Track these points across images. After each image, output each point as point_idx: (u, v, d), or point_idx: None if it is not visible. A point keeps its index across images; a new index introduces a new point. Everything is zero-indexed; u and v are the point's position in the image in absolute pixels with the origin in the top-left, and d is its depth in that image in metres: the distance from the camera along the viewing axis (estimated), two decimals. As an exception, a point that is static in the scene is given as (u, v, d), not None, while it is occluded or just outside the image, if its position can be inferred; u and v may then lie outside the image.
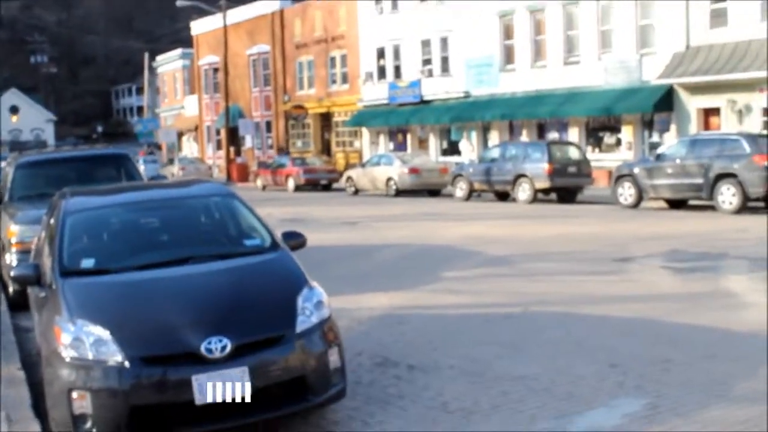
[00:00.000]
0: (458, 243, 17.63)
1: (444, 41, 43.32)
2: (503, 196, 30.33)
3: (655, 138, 33.49)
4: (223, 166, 56.69)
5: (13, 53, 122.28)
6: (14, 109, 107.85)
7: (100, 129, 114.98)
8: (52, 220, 7.93)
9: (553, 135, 37.58)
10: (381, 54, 47.58)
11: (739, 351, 8.23)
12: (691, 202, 24.23)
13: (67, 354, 5.95)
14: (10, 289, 11.92)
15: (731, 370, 7.54)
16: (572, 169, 28.91)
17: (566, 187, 28.99)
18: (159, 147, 76.57)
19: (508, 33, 39.93)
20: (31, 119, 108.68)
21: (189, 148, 71.69)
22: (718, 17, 31.01)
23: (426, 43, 44.38)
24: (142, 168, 16.56)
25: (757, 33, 29.46)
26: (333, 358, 6.38)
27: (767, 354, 7.89)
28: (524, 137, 38.17)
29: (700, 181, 22.77)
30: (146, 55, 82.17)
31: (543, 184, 28.32)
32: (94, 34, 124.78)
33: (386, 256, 16.36)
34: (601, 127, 36.18)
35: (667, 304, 10.62)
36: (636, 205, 24.73)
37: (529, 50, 38.76)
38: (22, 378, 7.59)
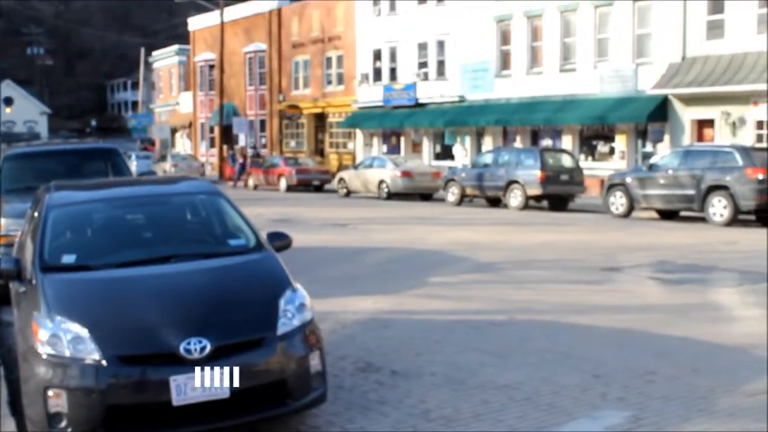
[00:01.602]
0: (447, 248, 17.59)
1: (441, 45, 43.30)
2: (495, 202, 30.32)
3: (649, 148, 33.50)
4: (216, 164, 56.60)
5: (9, 44, 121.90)
6: (8, 101, 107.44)
7: (94, 123, 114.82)
8: (35, 214, 7.86)
9: (546, 142, 37.60)
10: (377, 56, 47.55)
11: (724, 365, 8.20)
12: (683, 214, 24.26)
13: (44, 351, 5.88)
14: (-3, 283, 11.81)
15: (715, 384, 7.50)
16: (565, 177, 28.92)
17: (558, 195, 28.99)
18: (152, 143, 76.39)
19: (504, 38, 39.92)
20: (24, 111, 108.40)
21: (182, 144, 71.58)
22: (715, 29, 31.06)
23: (423, 46, 44.35)
24: (133, 164, 16.52)
25: (753, 45, 29.52)
26: (314, 362, 6.33)
27: (767, 369, 7.87)
28: (518, 143, 38.16)
29: (691, 192, 22.79)
30: (142, 50, 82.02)
31: (535, 191, 28.31)
32: (90, 27, 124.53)
33: (374, 259, 16.30)
34: (594, 136, 36.18)
35: (653, 315, 10.59)
36: (627, 214, 24.74)
37: (526, 56, 38.75)
38: (1, 374, 7.52)
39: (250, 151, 53.72)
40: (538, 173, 28.14)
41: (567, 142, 36.71)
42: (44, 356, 5.86)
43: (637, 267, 14.75)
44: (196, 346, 5.85)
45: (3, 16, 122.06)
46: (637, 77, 33.73)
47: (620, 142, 34.85)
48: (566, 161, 30.00)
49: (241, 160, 50.15)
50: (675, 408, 6.89)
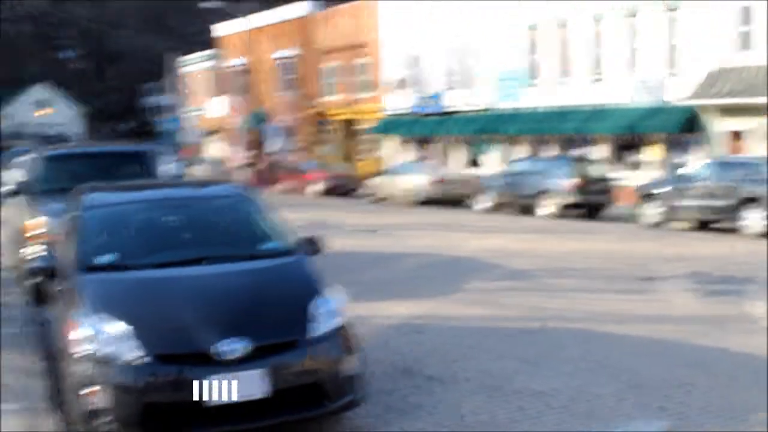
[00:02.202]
0: (479, 255, 17.55)
1: (470, 52, 43.19)
2: (527, 210, 30.21)
3: (681, 158, 33.26)
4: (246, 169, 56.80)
5: (43, 48, 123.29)
6: (41, 104, 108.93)
7: (125, 126, 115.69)
8: (73, 215, 7.92)
9: (577, 151, 37.39)
10: (406, 63, 47.51)
11: (761, 377, 8.09)
12: (715, 225, 24.03)
13: (82, 348, 5.92)
14: (33, 282, 11.92)
15: (752, 395, 7.42)
16: (596, 186, 28.76)
17: (589, 204, 28.84)
18: (183, 147, 76.80)
19: (535, 47, 39.80)
20: (58, 114, 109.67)
21: (213, 149, 71.90)
22: (748, 39, 30.80)
23: (452, 54, 44.28)
24: (171, 167, 16.66)
25: (788, 56, 29.27)
26: (349, 365, 6.35)
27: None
28: (549, 152, 37.99)
29: (724, 203, 22.57)
30: (173, 55, 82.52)
31: (566, 199, 28.18)
32: (123, 30, 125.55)
33: (406, 265, 16.30)
34: (626, 145, 35.95)
35: (689, 325, 10.49)
36: (659, 224, 24.54)
37: (556, 65, 38.62)
38: (41, 370, 7.60)
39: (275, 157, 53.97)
40: (569, 182, 28.01)
41: (598, 151, 36.51)
42: (83, 353, 5.91)
43: (672, 277, 14.59)
44: (232, 346, 5.89)
45: (36, 19, 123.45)
46: (668, 87, 33.51)
47: (652, 152, 34.63)
48: (597, 170, 29.85)
49: (263, 166, 50.30)
50: (713, 419, 6.82)
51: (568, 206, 28.55)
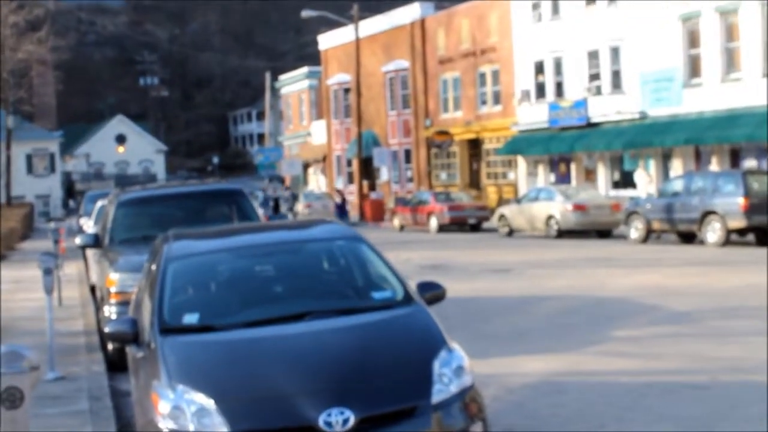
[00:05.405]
0: (632, 295, 17.35)
1: (615, 52, 42.86)
2: (688, 238, 29.67)
3: None
4: (356, 203, 57.32)
5: (121, 75, 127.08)
6: (121, 139, 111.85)
7: (215, 160, 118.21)
8: (152, 267, 8.08)
9: (750, 163, 36.57)
10: (539, 69, 47.42)
11: None
12: None
13: (165, 425, 6.04)
14: (109, 347, 12.22)
15: None
16: (775, 205, 28.05)
17: (767, 227, 28.12)
18: (282, 180, 78.15)
19: (692, 40, 39.18)
20: (139, 150, 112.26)
21: (316, 181, 72.91)
22: None
23: (593, 55, 43.98)
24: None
25: None
26: (476, 435, 6.30)
27: None
28: (714, 166, 37.27)
29: None
30: (268, 75, 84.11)
31: (737, 222, 27.54)
32: (209, 52, 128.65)
33: (544, 310, 16.23)
34: (812, 153, 35.02)
35: None
36: None
37: (720, 60, 37.90)
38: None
39: (395, 186, 54.33)
40: (740, 201, 27.38)
41: (775, 162, 35.65)
42: (165, 431, 6.02)
43: None
44: (338, 418, 5.91)
45: (113, 43, 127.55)
46: None
47: None
48: (776, 185, 29.11)
49: (338, 201, 50.81)
50: None
51: (740, 230, 27.91)
